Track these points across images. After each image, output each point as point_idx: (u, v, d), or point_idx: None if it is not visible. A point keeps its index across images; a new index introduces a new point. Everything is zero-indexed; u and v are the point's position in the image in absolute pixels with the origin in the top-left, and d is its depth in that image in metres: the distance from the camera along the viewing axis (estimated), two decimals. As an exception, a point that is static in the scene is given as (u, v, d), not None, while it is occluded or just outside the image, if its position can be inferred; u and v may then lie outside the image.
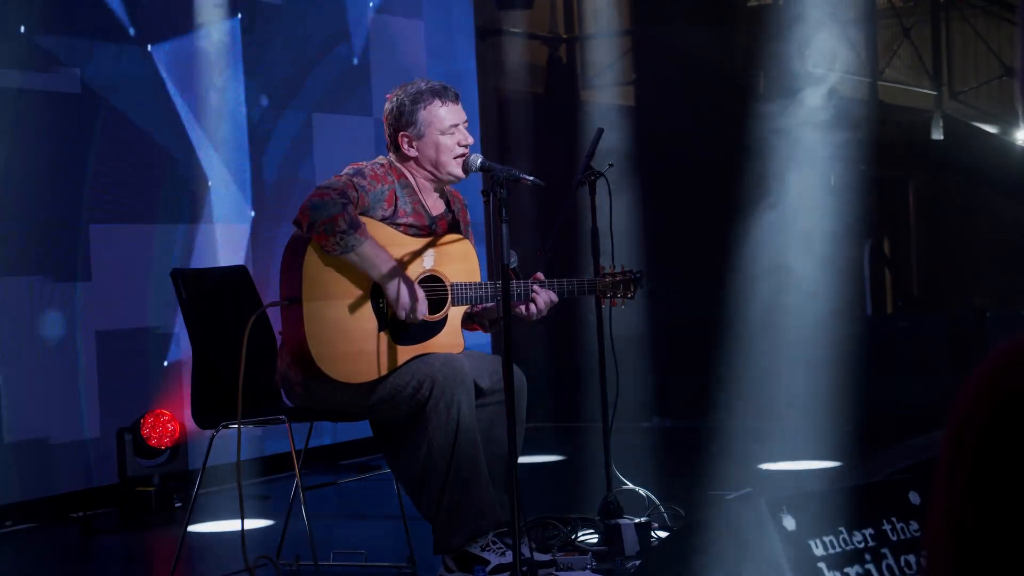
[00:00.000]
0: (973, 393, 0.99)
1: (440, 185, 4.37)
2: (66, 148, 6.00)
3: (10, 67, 5.78)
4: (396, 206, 4.22)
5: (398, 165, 4.32)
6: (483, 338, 7.42)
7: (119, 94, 6.20)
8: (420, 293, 4.11)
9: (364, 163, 4.27)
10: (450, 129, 4.28)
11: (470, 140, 4.33)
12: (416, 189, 4.31)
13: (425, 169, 4.31)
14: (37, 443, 5.85)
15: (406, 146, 4.30)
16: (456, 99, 4.35)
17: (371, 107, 7.43)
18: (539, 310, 4.28)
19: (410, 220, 4.25)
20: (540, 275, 4.34)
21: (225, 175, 6.68)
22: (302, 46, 7.17)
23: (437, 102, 4.29)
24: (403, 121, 4.29)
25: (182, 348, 6.26)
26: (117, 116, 6.18)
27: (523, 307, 4.27)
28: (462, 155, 4.29)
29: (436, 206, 4.37)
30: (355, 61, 7.44)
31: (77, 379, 6.00)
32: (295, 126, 7.10)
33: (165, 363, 6.35)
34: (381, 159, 4.33)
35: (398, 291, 4.06)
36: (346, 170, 4.22)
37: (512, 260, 4.03)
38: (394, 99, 4.33)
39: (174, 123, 6.46)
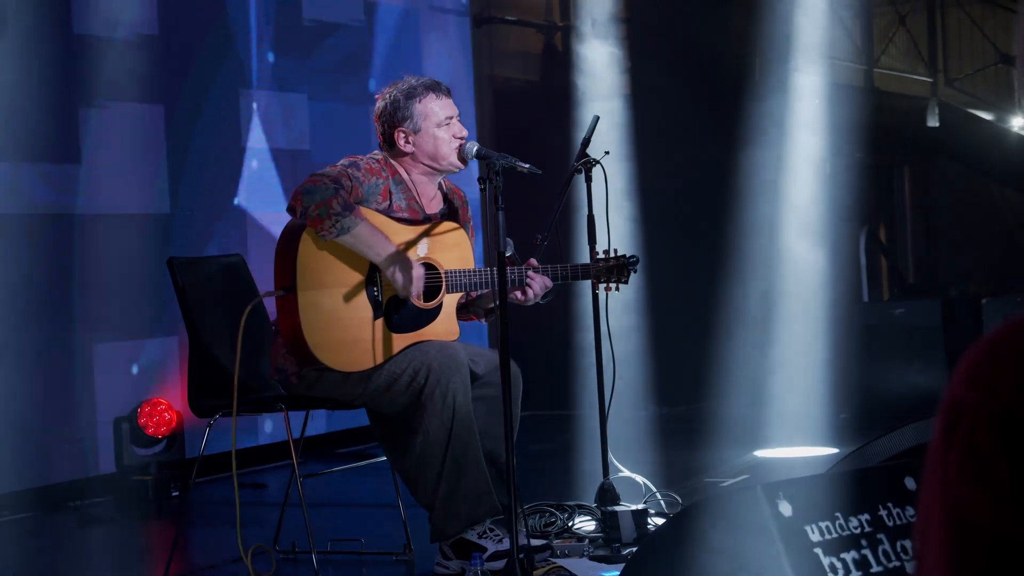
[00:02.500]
0: (966, 375, 1.00)
1: (439, 176, 4.37)
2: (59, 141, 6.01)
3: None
4: (391, 201, 4.23)
5: (392, 162, 4.32)
6: (479, 328, 7.43)
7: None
8: (418, 270, 4.12)
9: (360, 156, 4.27)
10: (445, 121, 4.29)
11: (464, 132, 4.34)
12: (411, 186, 4.31)
13: (422, 163, 4.31)
14: (34, 432, 5.85)
15: (402, 142, 4.29)
16: (448, 94, 4.37)
17: (369, 95, 7.42)
18: (535, 295, 4.29)
19: (405, 215, 4.25)
20: (533, 261, 4.35)
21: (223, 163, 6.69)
22: (299, 32, 7.16)
23: (431, 95, 4.30)
24: (398, 116, 4.29)
25: (179, 336, 6.26)
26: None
27: (518, 293, 4.28)
28: (459, 146, 4.30)
29: (432, 204, 4.37)
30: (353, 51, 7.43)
31: (74, 367, 6.00)
32: (293, 111, 7.09)
33: (161, 352, 6.34)
34: (377, 153, 4.33)
35: (395, 270, 4.07)
36: (342, 161, 4.22)
37: (508, 248, 4.03)
38: (387, 96, 4.34)
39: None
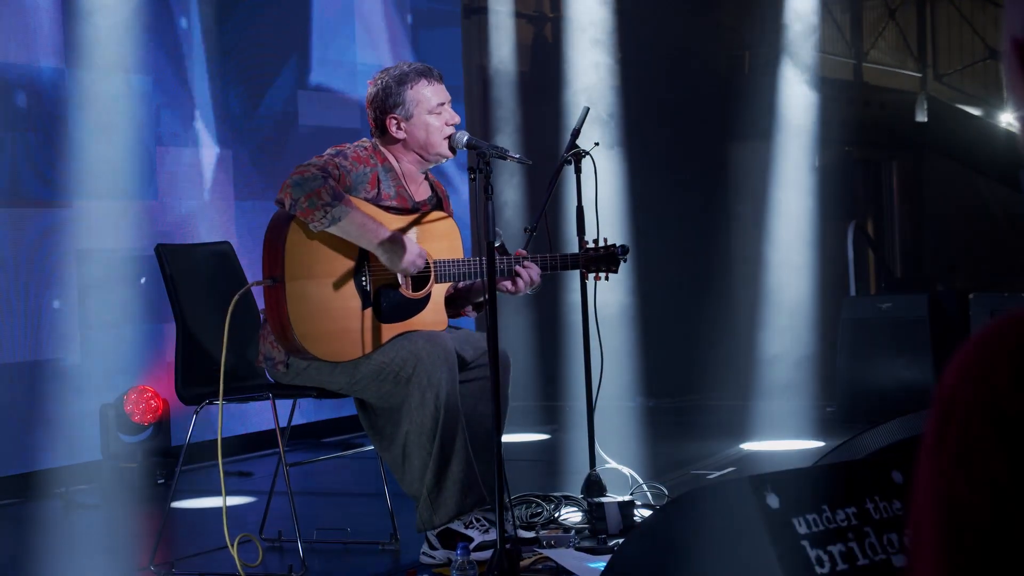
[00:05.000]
0: (959, 370, 1.00)
1: (426, 167, 4.36)
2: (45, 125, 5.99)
3: None
4: (379, 189, 4.21)
5: (382, 149, 4.30)
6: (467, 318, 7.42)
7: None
8: (416, 247, 4.11)
9: (347, 144, 4.25)
10: (437, 108, 4.27)
11: (457, 119, 4.32)
12: (399, 174, 4.29)
13: (413, 152, 4.29)
14: (20, 418, 5.84)
15: (394, 128, 4.27)
16: (440, 79, 4.34)
17: (357, 86, 7.41)
18: (526, 283, 4.28)
19: (393, 204, 4.24)
20: (522, 251, 4.34)
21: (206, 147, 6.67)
22: (285, 22, 7.14)
23: (423, 81, 4.28)
24: (390, 103, 4.27)
25: (166, 324, 6.25)
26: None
27: (508, 283, 4.27)
28: (450, 135, 4.28)
29: (420, 191, 4.36)
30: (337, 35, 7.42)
31: (61, 354, 5.99)
32: (278, 101, 7.07)
33: (149, 338, 6.33)
34: (365, 141, 4.31)
35: (391, 253, 4.06)
36: (328, 151, 4.20)
37: (497, 238, 4.02)
38: (379, 82, 4.31)
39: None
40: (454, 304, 4.41)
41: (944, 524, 0.97)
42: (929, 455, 1.00)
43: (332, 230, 4.02)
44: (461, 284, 4.42)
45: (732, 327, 8.95)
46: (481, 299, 4.41)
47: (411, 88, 4.26)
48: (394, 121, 4.27)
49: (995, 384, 0.97)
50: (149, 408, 6.03)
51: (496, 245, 3.95)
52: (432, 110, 4.26)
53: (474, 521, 4.14)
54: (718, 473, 5.68)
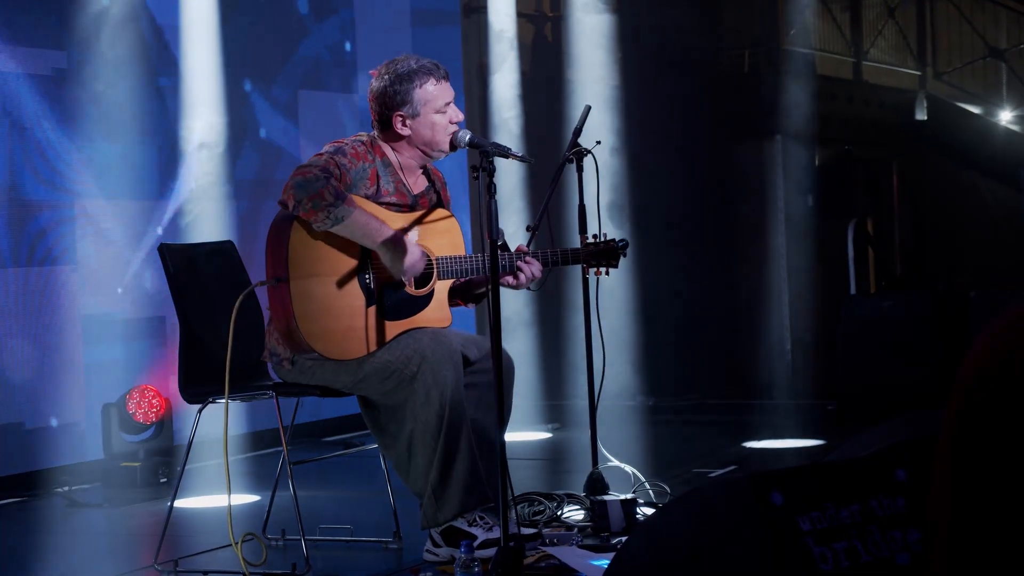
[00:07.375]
0: (976, 364, 1.00)
1: (426, 162, 4.36)
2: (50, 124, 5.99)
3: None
4: (379, 185, 4.21)
5: (380, 143, 4.30)
6: (467, 315, 7.43)
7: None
8: (416, 251, 4.11)
9: (344, 140, 4.24)
10: (443, 107, 4.27)
11: (461, 116, 4.32)
12: (397, 168, 4.29)
13: (416, 148, 4.30)
14: (23, 417, 5.84)
15: (400, 125, 4.27)
16: (446, 76, 4.33)
17: (356, 84, 7.41)
18: (528, 279, 4.28)
19: (393, 199, 4.24)
20: (523, 246, 4.34)
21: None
22: (285, 20, 7.14)
23: (431, 80, 4.27)
24: (397, 100, 4.25)
25: (169, 323, 6.26)
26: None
27: (509, 278, 4.27)
28: (452, 133, 4.28)
29: (418, 184, 4.36)
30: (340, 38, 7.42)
31: (63, 353, 5.99)
32: (280, 104, 7.07)
33: (151, 337, 6.34)
34: (362, 135, 4.31)
35: (391, 255, 4.06)
36: (326, 148, 4.20)
37: (500, 236, 4.03)
38: (385, 76, 4.29)
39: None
40: (451, 295, 4.42)
41: (960, 517, 0.98)
42: (947, 448, 1.01)
43: (335, 230, 4.03)
44: (461, 280, 4.42)
45: (733, 326, 8.95)
46: (480, 291, 4.41)
47: (419, 87, 4.25)
48: (400, 118, 4.26)
49: (1015, 368, 0.97)
50: (151, 407, 6.03)
51: (500, 243, 3.96)
52: (439, 109, 4.26)
53: (478, 519, 4.14)
54: (720, 471, 5.68)
